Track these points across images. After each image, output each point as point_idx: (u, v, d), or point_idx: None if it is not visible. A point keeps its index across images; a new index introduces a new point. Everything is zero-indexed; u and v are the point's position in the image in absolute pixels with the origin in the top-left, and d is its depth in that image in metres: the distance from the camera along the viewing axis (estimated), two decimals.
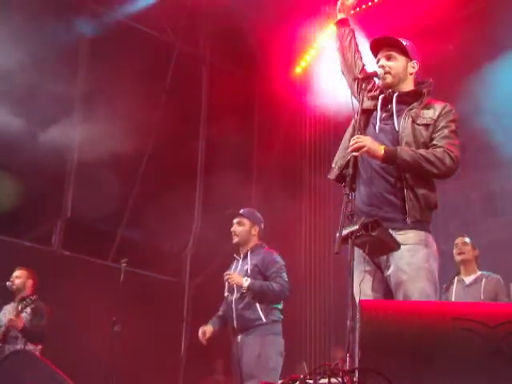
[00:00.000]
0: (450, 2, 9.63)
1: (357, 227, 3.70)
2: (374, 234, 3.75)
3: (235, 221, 6.65)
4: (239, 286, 6.27)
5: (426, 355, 3.03)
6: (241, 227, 6.60)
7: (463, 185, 9.73)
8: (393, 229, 4.05)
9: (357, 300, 3.69)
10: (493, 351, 2.98)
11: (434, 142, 4.20)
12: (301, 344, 10.49)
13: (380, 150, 4.09)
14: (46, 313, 7.67)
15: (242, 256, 6.59)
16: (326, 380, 3.24)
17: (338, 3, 4.74)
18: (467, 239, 7.18)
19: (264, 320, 6.24)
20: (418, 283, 4.03)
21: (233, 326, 6.34)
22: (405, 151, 4.11)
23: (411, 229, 4.11)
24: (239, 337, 6.30)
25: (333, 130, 10.86)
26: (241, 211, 6.76)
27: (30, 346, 7.38)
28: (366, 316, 3.12)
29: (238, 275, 6.35)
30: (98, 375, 7.72)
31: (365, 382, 2.98)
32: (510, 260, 8.23)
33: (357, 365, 3.10)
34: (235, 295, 6.37)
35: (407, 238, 4.09)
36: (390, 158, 4.11)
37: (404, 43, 4.43)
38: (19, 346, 7.32)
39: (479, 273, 7.12)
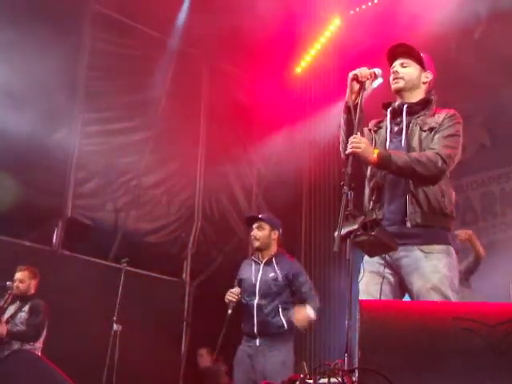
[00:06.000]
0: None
1: (356, 226, 3.69)
2: (373, 233, 3.75)
3: (255, 225, 6.59)
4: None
5: (426, 355, 3.03)
6: (261, 232, 6.56)
7: (463, 185, 9.74)
8: (414, 244, 4.09)
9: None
10: (492, 351, 2.98)
11: (432, 143, 4.21)
12: (300, 344, 10.48)
13: (373, 154, 4.09)
14: (43, 310, 7.65)
15: (263, 261, 6.56)
16: (326, 380, 3.24)
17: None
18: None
19: (286, 327, 6.27)
20: (444, 292, 4.03)
21: (252, 330, 6.32)
22: (397, 156, 4.12)
23: (432, 243, 4.12)
24: (257, 341, 6.29)
25: (333, 130, 10.86)
26: (260, 216, 6.76)
27: (27, 346, 7.37)
28: (366, 316, 3.12)
29: (303, 314, 6.32)
30: (98, 375, 7.72)
31: (365, 381, 2.98)
32: (510, 260, 8.24)
33: (356, 365, 3.10)
34: (257, 300, 6.37)
35: (429, 248, 4.11)
36: (382, 164, 4.12)
37: (421, 54, 4.45)
38: (16, 347, 7.31)
39: None
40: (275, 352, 6.21)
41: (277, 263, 6.48)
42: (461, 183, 9.70)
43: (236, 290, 6.45)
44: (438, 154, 4.14)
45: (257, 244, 6.56)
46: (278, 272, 6.41)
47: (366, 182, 4.39)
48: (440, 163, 4.12)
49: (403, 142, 4.29)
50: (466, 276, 7.39)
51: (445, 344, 3.03)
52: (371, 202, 4.30)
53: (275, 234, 6.59)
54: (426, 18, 9.58)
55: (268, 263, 6.51)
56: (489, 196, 9.52)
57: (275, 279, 6.39)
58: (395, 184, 4.25)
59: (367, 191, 4.38)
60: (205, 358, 10.21)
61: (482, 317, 3.05)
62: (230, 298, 6.34)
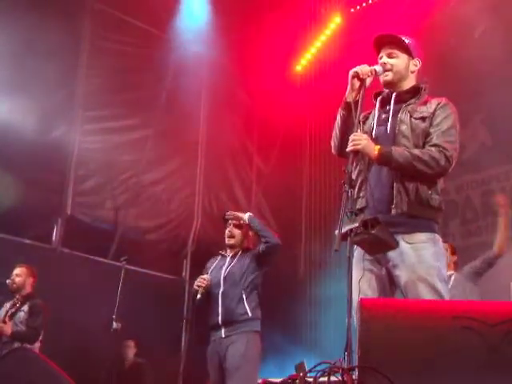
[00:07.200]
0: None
1: (356, 225, 3.68)
2: (373, 231, 3.74)
3: (233, 222, 6.64)
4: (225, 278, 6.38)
5: (426, 354, 3.02)
6: (239, 230, 6.62)
7: (463, 184, 9.74)
8: (398, 233, 4.04)
9: (354, 297, 3.68)
10: (492, 350, 2.98)
11: (432, 139, 4.16)
12: (301, 341, 10.49)
13: (374, 150, 4.06)
14: (42, 310, 7.65)
15: (230, 254, 6.61)
16: (326, 378, 3.24)
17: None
18: (445, 245, 7.08)
19: (250, 315, 6.23)
20: (430, 282, 3.99)
21: (216, 321, 6.29)
22: (399, 153, 4.07)
23: (417, 232, 4.08)
24: (223, 331, 6.25)
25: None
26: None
27: (27, 345, 7.37)
28: (365, 314, 3.12)
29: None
30: (97, 373, 7.72)
31: (364, 380, 2.98)
32: (510, 259, 8.22)
33: (356, 363, 3.10)
34: (221, 289, 6.38)
35: (414, 237, 4.07)
36: (384, 160, 4.09)
37: (406, 41, 4.40)
38: (16, 345, 7.30)
39: (450, 272, 7.16)
40: (236, 345, 6.16)
41: (242, 255, 6.55)
42: (461, 182, 9.70)
43: (207, 276, 6.47)
44: (441, 151, 4.09)
45: (231, 241, 6.62)
46: (243, 261, 6.48)
47: None
48: (443, 161, 4.07)
49: (389, 128, 4.26)
50: (483, 270, 7.26)
51: (444, 343, 3.03)
52: (355, 190, 4.20)
53: (251, 233, 6.63)
54: (426, 16, 9.60)
55: (234, 256, 6.57)
56: (489, 195, 9.52)
57: (239, 268, 6.44)
58: (380, 171, 4.23)
59: None
60: (131, 350, 10.17)
61: (482, 316, 3.05)
62: (200, 283, 6.38)
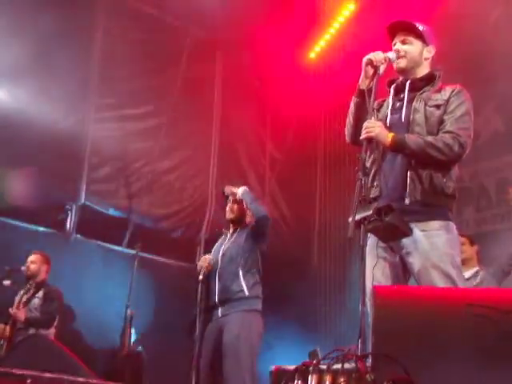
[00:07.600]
0: None
1: (370, 212, 3.68)
2: (386, 219, 3.74)
3: (232, 198, 6.63)
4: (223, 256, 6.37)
5: (439, 341, 3.03)
6: (237, 205, 6.60)
7: (478, 171, 9.69)
8: (412, 221, 4.03)
9: (368, 285, 3.68)
10: (505, 337, 2.98)
11: (446, 126, 4.15)
12: (315, 329, 10.50)
13: (388, 138, 4.07)
14: (57, 296, 7.71)
15: (231, 232, 6.62)
16: (340, 365, 3.24)
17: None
18: (462, 239, 6.94)
19: (247, 293, 6.17)
20: (443, 269, 3.99)
21: (214, 300, 6.24)
22: (412, 140, 4.08)
23: (430, 219, 4.08)
24: (220, 310, 6.20)
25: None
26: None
27: (42, 331, 7.42)
28: (379, 301, 3.12)
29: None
30: (110, 359, 7.75)
31: (378, 367, 2.98)
32: None
33: (370, 350, 3.10)
34: (219, 266, 6.35)
35: (427, 225, 4.06)
36: (397, 147, 4.09)
37: (420, 28, 4.39)
38: (31, 331, 7.36)
39: (477, 268, 7.11)
40: (230, 324, 6.07)
41: (240, 232, 6.54)
42: (475, 169, 9.66)
43: (209, 255, 6.46)
44: (455, 138, 4.09)
45: (231, 216, 6.61)
46: (241, 237, 6.46)
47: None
48: (457, 147, 4.07)
49: (403, 116, 4.25)
50: (510, 266, 7.20)
51: (458, 330, 3.03)
52: (369, 179, 4.20)
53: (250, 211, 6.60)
54: (440, 1, 9.54)
55: (234, 233, 6.57)
56: (504, 182, 9.48)
57: (237, 244, 6.42)
58: (394, 160, 4.23)
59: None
60: (131, 337, 10.12)
61: (495, 303, 3.04)
62: (202, 263, 6.34)
